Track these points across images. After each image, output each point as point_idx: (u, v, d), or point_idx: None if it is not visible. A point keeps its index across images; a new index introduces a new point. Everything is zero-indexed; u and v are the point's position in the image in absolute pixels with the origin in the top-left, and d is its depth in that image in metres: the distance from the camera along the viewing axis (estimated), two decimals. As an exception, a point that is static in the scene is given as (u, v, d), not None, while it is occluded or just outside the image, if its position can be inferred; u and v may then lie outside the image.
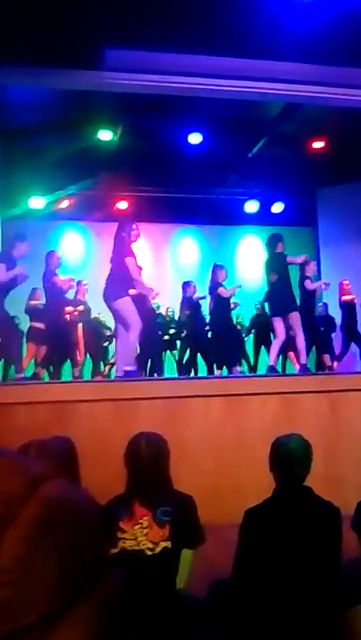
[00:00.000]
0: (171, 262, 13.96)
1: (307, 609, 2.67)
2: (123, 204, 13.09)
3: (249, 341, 11.07)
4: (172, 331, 10.71)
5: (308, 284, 8.87)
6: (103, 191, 12.51)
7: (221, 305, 9.14)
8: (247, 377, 7.84)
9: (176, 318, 10.70)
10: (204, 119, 9.95)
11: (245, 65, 6.90)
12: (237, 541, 2.99)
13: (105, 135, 10.39)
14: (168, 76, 6.97)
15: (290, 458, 3.01)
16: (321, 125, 10.15)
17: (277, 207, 13.51)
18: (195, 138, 10.70)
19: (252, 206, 13.51)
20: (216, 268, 9.32)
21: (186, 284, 10.00)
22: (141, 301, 8.01)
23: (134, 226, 7.26)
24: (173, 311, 10.94)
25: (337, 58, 6.78)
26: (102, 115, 9.68)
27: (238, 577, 2.95)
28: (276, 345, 8.18)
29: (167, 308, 11.17)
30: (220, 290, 9.04)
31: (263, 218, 13.43)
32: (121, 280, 7.08)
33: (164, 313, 11.14)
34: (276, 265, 8.05)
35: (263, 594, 2.77)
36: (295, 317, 7.91)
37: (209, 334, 9.83)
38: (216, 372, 9.23)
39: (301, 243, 13.43)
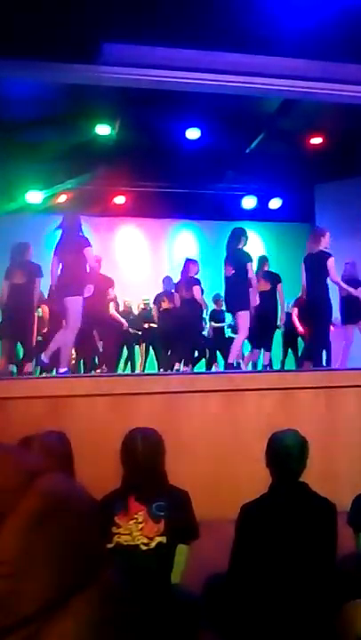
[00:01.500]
0: (168, 257, 13.95)
1: (303, 603, 2.68)
2: (120, 199, 13.07)
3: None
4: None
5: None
6: (101, 186, 12.49)
7: (190, 304, 9.19)
8: (245, 373, 7.83)
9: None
10: (202, 114, 9.93)
11: (244, 60, 6.88)
12: (233, 536, 2.99)
13: (103, 130, 10.36)
14: (166, 70, 6.95)
15: (286, 453, 3.02)
16: (319, 121, 10.13)
17: (275, 203, 13.51)
18: (193, 133, 10.67)
19: (249, 202, 13.49)
20: (189, 262, 9.33)
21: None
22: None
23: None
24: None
25: (336, 53, 6.76)
26: (100, 109, 9.65)
27: (235, 572, 2.96)
28: (238, 341, 8.23)
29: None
30: (195, 289, 9.04)
31: (261, 213, 13.43)
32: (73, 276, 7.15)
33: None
34: (237, 261, 8.03)
35: (259, 589, 2.78)
36: (244, 316, 7.95)
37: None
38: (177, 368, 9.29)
39: (299, 239, 13.45)
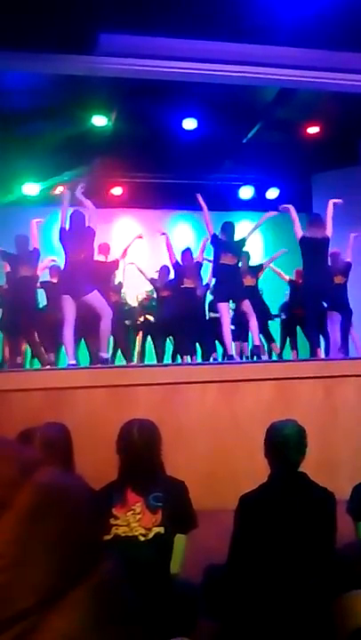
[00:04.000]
0: (165, 248, 13.92)
1: (302, 593, 2.69)
2: (117, 190, 13.04)
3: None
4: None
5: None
6: (98, 177, 12.44)
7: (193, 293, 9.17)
8: (244, 363, 7.85)
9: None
10: (198, 104, 9.90)
11: (241, 49, 6.86)
12: (233, 527, 3.00)
13: (99, 121, 10.33)
14: (163, 60, 6.93)
15: (285, 443, 3.03)
16: (316, 110, 10.11)
17: (272, 193, 13.47)
18: (189, 123, 10.64)
19: (246, 192, 13.46)
20: (188, 251, 9.32)
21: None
22: None
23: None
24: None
25: (333, 42, 6.74)
26: (97, 100, 9.61)
27: (234, 562, 2.97)
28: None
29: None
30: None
31: (258, 204, 13.39)
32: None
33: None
34: (239, 251, 8.31)
35: (259, 579, 2.79)
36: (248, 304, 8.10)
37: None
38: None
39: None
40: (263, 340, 9.39)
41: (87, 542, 0.56)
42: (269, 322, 10.06)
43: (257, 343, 8.20)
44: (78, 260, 7.26)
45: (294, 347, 10.30)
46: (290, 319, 10.14)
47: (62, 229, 7.47)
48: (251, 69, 7.09)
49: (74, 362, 7.27)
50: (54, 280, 9.28)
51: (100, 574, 0.54)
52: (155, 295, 10.66)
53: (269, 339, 9.69)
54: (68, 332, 7.28)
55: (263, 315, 9.44)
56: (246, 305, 8.04)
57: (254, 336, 8.28)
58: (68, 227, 7.49)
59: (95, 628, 0.52)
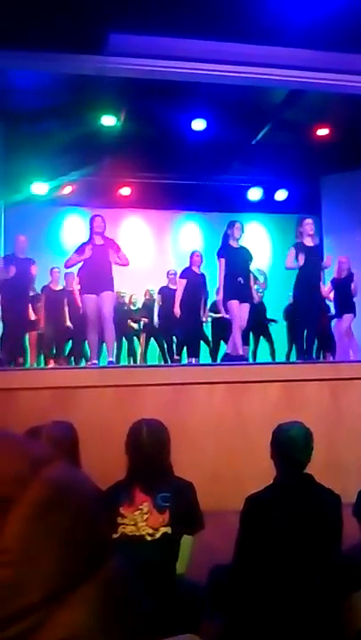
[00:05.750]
0: (172, 249, 13.92)
1: (308, 594, 2.68)
2: (126, 190, 13.05)
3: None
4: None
5: None
6: (106, 177, 12.46)
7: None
8: (250, 364, 7.84)
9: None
10: (207, 105, 9.89)
11: (250, 50, 6.86)
12: (238, 528, 3.00)
13: (108, 120, 10.34)
14: (172, 61, 6.93)
15: (291, 445, 3.02)
16: (326, 112, 10.09)
17: (281, 195, 13.45)
18: (198, 124, 10.64)
19: (255, 193, 13.43)
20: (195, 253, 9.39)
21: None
22: None
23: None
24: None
25: (343, 44, 6.73)
26: (106, 100, 9.63)
27: (239, 563, 2.97)
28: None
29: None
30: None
31: (266, 205, 13.38)
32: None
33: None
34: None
35: (264, 580, 2.79)
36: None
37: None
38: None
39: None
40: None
41: (95, 539, 0.56)
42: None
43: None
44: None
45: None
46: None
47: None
48: (260, 70, 7.09)
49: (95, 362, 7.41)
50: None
51: (106, 572, 0.54)
52: (155, 295, 10.70)
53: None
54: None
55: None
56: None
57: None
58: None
59: (101, 625, 0.52)
